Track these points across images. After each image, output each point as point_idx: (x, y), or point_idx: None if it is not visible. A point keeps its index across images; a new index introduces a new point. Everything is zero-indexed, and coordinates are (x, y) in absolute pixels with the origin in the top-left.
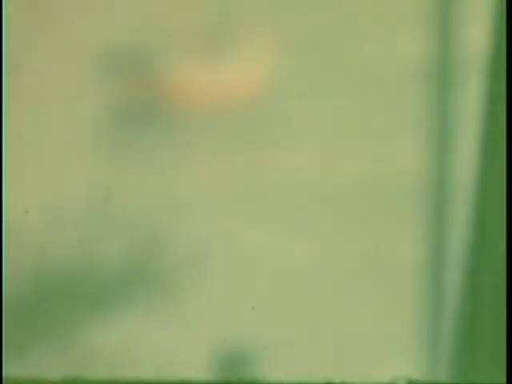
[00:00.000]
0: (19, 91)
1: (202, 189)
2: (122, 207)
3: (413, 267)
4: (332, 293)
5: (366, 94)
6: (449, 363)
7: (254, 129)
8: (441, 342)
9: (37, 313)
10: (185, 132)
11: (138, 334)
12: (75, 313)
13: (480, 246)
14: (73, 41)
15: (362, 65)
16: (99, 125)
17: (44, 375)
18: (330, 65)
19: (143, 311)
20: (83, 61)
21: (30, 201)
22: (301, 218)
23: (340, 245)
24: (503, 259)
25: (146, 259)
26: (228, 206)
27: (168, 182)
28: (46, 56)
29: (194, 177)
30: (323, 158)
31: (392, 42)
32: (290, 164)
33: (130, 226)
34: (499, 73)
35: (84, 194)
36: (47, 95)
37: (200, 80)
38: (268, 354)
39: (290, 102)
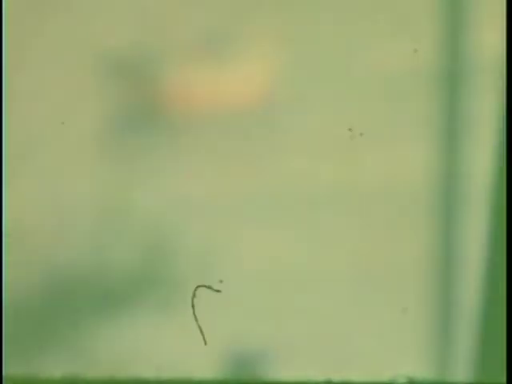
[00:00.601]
0: (17, 94)
1: (206, 193)
2: (127, 211)
3: (421, 269)
4: (338, 296)
5: (370, 99)
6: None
7: (256, 135)
8: (453, 343)
9: (47, 316)
10: (185, 138)
11: (150, 337)
12: (85, 316)
13: (495, 247)
14: (72, 43)
15: (367, 69)
16: (99, 129)
17: (44, 374)
18: (335, 69)
19: (154, 314)
20: (82, 63)
21: (37, 204)
22: (315, 222)
23: (352, 245)
24: None
25: (155, 262)
26: (237, 211)
27: (170, 186)
28: (43, 58)
29: (197, 181)
30: (330, 162)
31: (399, 45)
32: (295, 169)
33: (136, 230)
34: None
35: (89, 198)
36: (45, 99)
37: (201, 86)
38: (281, 355)
39: (292, 108)
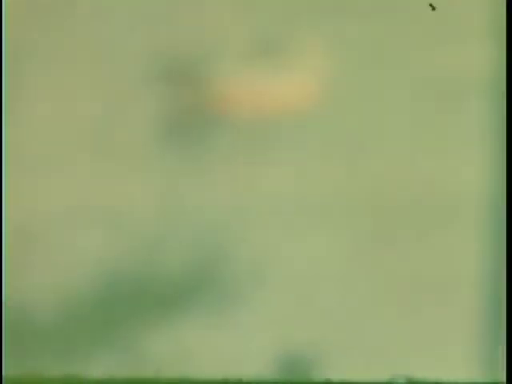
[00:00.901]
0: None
1: (258, 197)
2: (180, 214)
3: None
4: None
5: (420, 108)
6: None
7: (305, 139)
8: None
9: (100, 318)
10: (234, 140)
11: (200, 339)
12: (138, 318)
13: None
14: (124, 45)
15: (417, 77)
16: (148, 132)
17: (45, 374)
18: (386, 77)
19: (206, 317)
20: (133, 64)
21: (79, 204)
22: (350, 227)
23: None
24: None
25: (209, 265)
26: (290, 216)
27: (222, 190)
28: (94, 60)
29: (248, 186)
30: (378, 168)
31: (455, 54)
32: (344, 173)
33: (191, 234)
34: None
35: (144, 200)
36: (93, 100)
37: (250, 88)
38: (326, 357)
39: (343, 114)
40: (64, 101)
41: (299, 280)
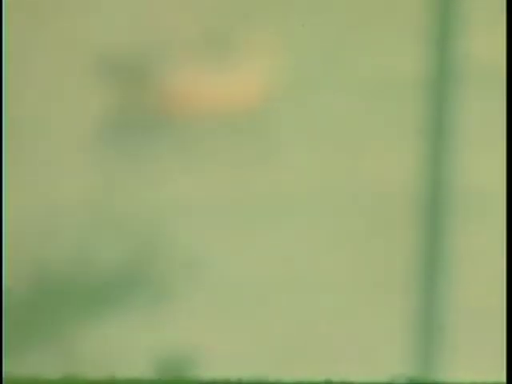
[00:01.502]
0: (17, 93)
1: (201, 194)
2: (118, 212)
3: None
4: (329, 294)
5: (365, 103)
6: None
7: (254, 136)
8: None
9: (33, 312)
10: (184, 138)
11: (133, 335)
12: (71, 314)
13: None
14: (73, 43)
15: (362, 74)
16: (97, 130)
17: (43, 375)
18: (331, 74)
19: (138, 313)
20: (83, 65)
21: (28, 205)
22: (302, 221)
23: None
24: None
25: (142, 262)
26: (227, 211)
27: (166, 186)
28: (43, 58)
29: (192, 182)
30: (319, 164)
31: (393, 53)
32: (290, 170)
33: (127, 230)
34: None
35: (79, 199)
36: (44, 98)
37: (200, 87)
38: (271, 354)
39: (289, 110)
40: (13, 98)
41: (234, 277)
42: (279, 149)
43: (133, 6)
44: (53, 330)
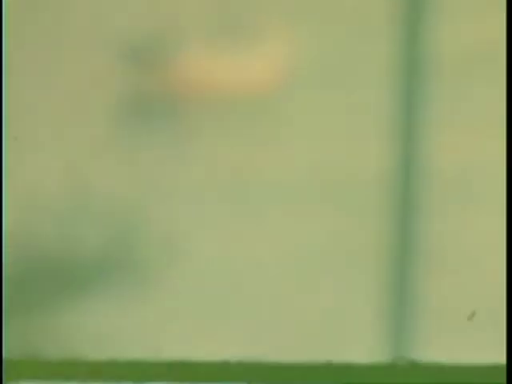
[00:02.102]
0: (25, 80)
1: (212, 180)
2: (102, 195)
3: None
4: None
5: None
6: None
7: (267, 119)
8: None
9: (16, 294)
10: (195, 121)
11: (114, 319)
12: (52, 296)
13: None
14: (86, 30)
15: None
16: (110, 114)
17: (44, 356)
18: (347, 60)
19: (120, 297)
20: (98, 49)
21: (14, 192)
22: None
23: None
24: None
25: (123, 246)
26: (237, 196)
27: (172, 174)
28: (57, 44)
29: (204, 168)
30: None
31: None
32: (300, 153)
33: (109, 213)
34: None
35: (62, 183)
36: (56, 83)
37: (214, 70)
38: (256, 337)
39: (302, 94)
40: (29, 87)
41: (218, 261)
42: (293, 134)
43: None
44: (28, 315)
